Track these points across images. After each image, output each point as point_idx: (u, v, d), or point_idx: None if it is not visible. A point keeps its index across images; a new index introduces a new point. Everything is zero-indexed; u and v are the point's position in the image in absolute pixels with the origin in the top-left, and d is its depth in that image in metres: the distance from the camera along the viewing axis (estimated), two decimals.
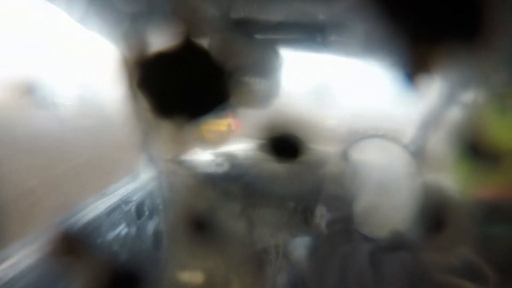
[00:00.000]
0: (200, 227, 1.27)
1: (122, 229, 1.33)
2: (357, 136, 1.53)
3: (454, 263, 1.08)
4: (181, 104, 1.16)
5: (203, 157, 1.67)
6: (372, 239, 1.23)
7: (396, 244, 1.23)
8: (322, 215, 1.23)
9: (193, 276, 1.30)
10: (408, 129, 1.55)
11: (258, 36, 1.37)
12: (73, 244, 1.03)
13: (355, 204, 1.28)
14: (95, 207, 1.23)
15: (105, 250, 1.22)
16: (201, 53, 1.11)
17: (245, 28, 1.27)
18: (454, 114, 1.34)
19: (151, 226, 1.54)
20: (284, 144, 1.26)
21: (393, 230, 1.33)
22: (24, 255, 0.90)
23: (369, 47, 1.16)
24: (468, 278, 1.06)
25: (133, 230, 1.41)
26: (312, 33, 1.35)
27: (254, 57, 1.34)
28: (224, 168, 1.63)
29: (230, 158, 1.65)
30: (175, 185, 1.56)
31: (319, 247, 1.17)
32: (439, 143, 1.40)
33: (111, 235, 1.26)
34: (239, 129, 1.40)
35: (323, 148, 1.47)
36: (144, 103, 1.14)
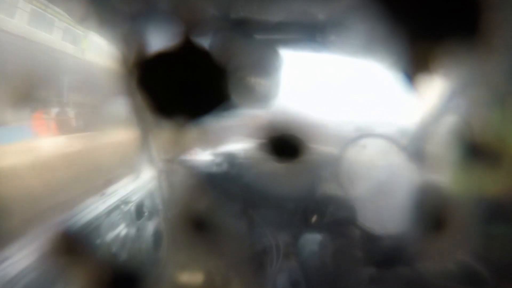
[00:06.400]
0: (200, 227, 1.27)
1: (121, 229, 1.33)
2: (356, 136, 1.53)
3: (453, 269, 1.08)
4: (181, 104, 1.16)
5: (203, 157, 1.66)
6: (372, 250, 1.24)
7: (394, 253, 1.23)
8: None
9: (193, 276, 1.30)
10: (408, 129, 1.55)
11: (258, 36, 1.37)
12: (73, 244, 1.03)
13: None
14: (94, 207, 1.23)
15: (105, 250, 1.22)
16: (201, 53, 1.11)
17: (245, 28, 1.27)
18: (454, 114, 1.34)
19: (150, 226, 1.54)
20: (284, 144, 1.26)
21: (392, 233, 1.33)
22: (24, 255, 0.90)
23: (369, 47, 1.16)
24: (467, 284, 1.06)
25: (133, 230, 1.41)
26: (312, 33, 1.35)
27: (254, 57, 1.34)
28: (224, 168, 1.63)
29: (230, 158, 1.65)
30: (175, 185, 1.56)
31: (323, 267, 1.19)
32: (439, 143, 1.40)
33: (111, 235, 1.26)
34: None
35: (322, 148, 1.47)
36: (144, 103, 1.14)
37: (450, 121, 1.35)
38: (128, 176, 1.58)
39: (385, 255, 1.31)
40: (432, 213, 1.18)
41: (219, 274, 1.29)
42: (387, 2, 0.88)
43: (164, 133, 1.25)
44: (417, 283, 1.12)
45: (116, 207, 1.33)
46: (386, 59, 1.21)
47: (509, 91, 1.04)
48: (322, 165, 1.48)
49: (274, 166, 1.30)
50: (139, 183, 1.58)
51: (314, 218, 1.56)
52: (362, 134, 1.52)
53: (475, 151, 1.13)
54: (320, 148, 1.41)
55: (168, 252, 1.45)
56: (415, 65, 1.00)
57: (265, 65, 1.40)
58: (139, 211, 1.48)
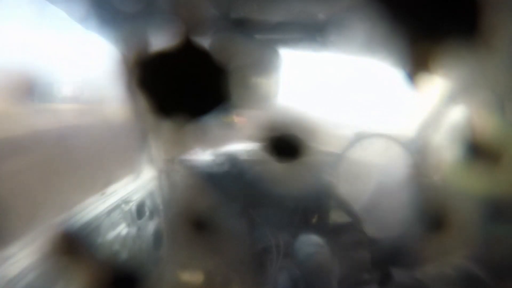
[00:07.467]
0: (200, 227, 1.27)
1: (122, 229, 1.33)
2: (357, 136, 1.53)
3: (452, 273, 1.08)
4: (181, 104, 1.16)
5: (203, 157, 1.66)
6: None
7: (395, 254, 1.23)
8: None
9: (193, 276, 1.30)
10: (409, 129, 1.55)
11: (258, 36, 1.37)
12: (73, 244, 1.03)
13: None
14: (95, 207, 1.23)
15: (105, 250, 1.22)
16: (201, 53, 1.11)
17: (245, 28, 1.27)
18: (455, 114, 1.34)
19: (151, 226, 1.54)
20: (285, 144, 1.26)
21: (392, 233, 1.33)
22: (24, 255, 0.90)
23: (369, 47, 1.16)
24: (466, 287, 1.06)
25: (133, 230, 1.41)
26: (312, 33, 1.35)
27: (254, 57, 1.34)
28: (225, 168, 1.63)
29: (231, 158, 1.65)
30: (175, 185, 1.56)
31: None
32: (439, 143, 1.40)
33: (111, 235, 1.26)
34: (244, 125, 1.39)
35: (323, 148, 1.47)
36: (144, 103, 1.14)
37: (450, 121, 1.35)
38: (128, 176, 1.58)
39: (385, 256, 1.31)
40: (433, 213, 1.18)
41: (219, 274, 1.29)
42: (387, 2, 0.88)
43: (164, 133, 1.25)
44: (417, 285, 1.12)
45: (116, 207, 1.33)
46: (387, 59, 1.21)
47: (509, 91, 1.04)
48: (323, 165, 1.48)
49: (274, 166, 1.30)
50: (140, 183, 1.58)
51: (314, 218, 1.56)
52: (363, 134, 1.52)
53: (476, 151, 1.12)
54: (321, 148, 1.41)
55: (168, 252, 1.45)
56: (415, 65, 1.00)
57: (265, 65, 1.40)
58: (140, 211, 1.48)
